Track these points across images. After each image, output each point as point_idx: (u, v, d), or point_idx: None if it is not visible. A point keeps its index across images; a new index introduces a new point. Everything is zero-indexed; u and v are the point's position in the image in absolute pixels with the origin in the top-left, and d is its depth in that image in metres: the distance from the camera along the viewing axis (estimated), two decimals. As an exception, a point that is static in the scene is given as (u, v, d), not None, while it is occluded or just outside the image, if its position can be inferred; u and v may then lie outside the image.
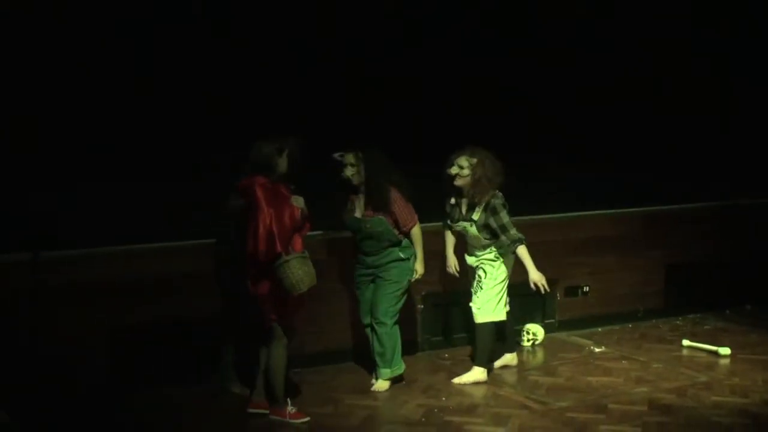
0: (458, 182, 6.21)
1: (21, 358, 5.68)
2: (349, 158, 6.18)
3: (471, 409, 6.00)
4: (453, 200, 6.40)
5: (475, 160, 6.16)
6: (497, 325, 6.43)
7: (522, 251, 6.18)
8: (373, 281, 6.36)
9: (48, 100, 5.97)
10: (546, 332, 7.62)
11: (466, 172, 6.18)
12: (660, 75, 8.24)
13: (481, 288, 6.33)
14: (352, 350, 6.92)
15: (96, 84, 6.14)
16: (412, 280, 6.37)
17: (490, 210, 6.18)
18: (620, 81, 8.11)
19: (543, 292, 6.21)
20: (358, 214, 6.27)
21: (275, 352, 5.67)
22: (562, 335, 7.75)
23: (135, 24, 6.05)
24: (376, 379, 6.41)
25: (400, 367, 6.40)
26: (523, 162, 7.30)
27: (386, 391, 6.33)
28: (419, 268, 6.35)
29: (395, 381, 6.41)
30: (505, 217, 6.19)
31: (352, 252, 6.46)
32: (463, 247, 6.57)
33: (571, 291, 7.90)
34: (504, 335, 6.64)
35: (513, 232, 6.20)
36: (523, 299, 7.29)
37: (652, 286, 8.26)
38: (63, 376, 5.81)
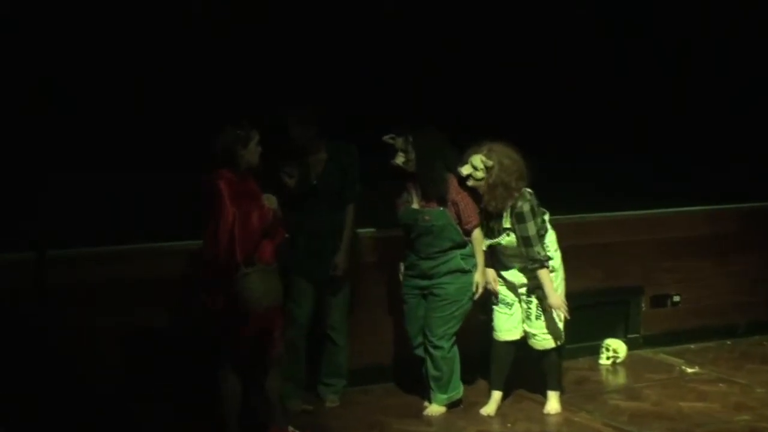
0: (470, 183, 5.93)
1: (24, 364, 5.68)
2: (399, 143, 5.94)
3: (540, 438, 5.87)
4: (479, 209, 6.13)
5: (491, 163, 5.87)
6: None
7: (543, 275, 5.88)
8: (425, 297, 6.07)
9: (50, 86, 6.08)
10: (629, 349, 7.45)
11: (479, 174, 5.88)
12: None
13: (545, 309, 6.07)
14: (401, 367, 6.75)
15: (101, 66, 6.26)
16: (476, 297, 6.09)
17: (515, 216, 5.88)
18: (713, 73, 8.17)
19: (561, 320, 5.97)
20: (415, 204, 6.01)
21: (223, 380, 5.40)
22: (647, 353, 7.60)
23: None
24: (430, 402, 6.19)
25: (458, 392, 6.20)
26: (603, 152, 7.36)
27: (441, 415, 6.14)
28: (480, 279, 6.06)
29: (452, 405, 6.20)
30: (531, 228, 5.86)
31: (403, 256, 6.20)
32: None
33: (659, 301, 7.75)
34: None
35: (537, 248, 5.85)
36: (601, 310, 7.28)
37: (756, 295, 8.07)
38: (70, 384, 5.77)
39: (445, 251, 5.97)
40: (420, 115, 6.20)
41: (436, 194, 5.93)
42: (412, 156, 5.90)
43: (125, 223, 6.12)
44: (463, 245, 5.98)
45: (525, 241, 5.87)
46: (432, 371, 6.07)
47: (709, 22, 7.92)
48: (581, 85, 7.55)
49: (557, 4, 7.52)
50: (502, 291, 6.15)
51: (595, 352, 7.31)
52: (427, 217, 5.94)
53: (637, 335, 7.65)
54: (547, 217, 6.02)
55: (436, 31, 7.08)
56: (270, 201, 5.34)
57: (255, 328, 5.34)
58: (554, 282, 6.00)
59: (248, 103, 6.16)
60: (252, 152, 5.30)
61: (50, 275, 5.75)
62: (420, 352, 6.14)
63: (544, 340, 6.09)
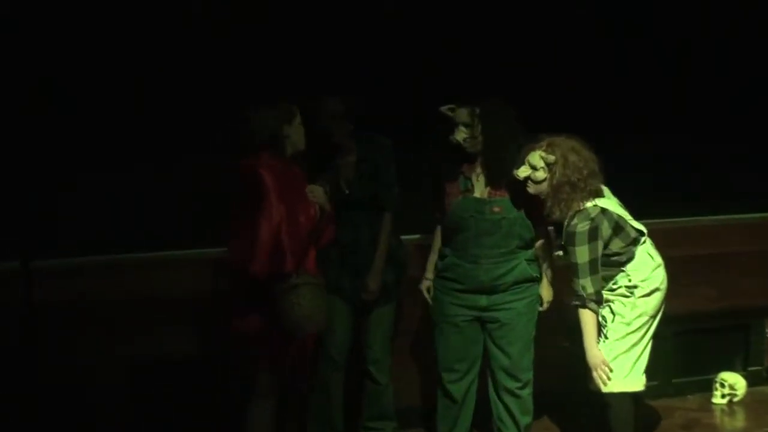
0: (531, 189, 5.34)
1: (12, 395, 5.50)
2: (462, 115, 5.31)
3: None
4: None
5: (553, 158, 5.28)
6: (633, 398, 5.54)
7: (584, 318, 5.21)
8: (480, 322, 5.40)
9: (50, 86, 6.09)
10: (749, 385, 6.97)
11: (540, 175, 5.25)
12: None
13: (606, 338, 5.32)
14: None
15: (101, 66, 6.24)
16: (542, 309, 5.52)
17: (566, 235, 5.25)
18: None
19: (603, 384, 5.26)
20: (477, 193, 5.40)
21: (256, 415, 5.01)
22: (772, 389, 7.26)
23: None
24: None
25: None
26: (711, 146, 7.16)
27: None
28: (546, 293, 5.48)
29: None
30: (583, 254, 5.17)
31: (442, 266, 5.58)
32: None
33: (787, 325, 7.33)
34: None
35: (583, 281, 5.17)
36: (714, 336, 6.99)
37: None
38: (67, 421, 5.60)
39: (510, 252, 5.34)
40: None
41: (506, 181, 5.36)
42: (478, 132, 5.30)
43: (127, 227, 6.08)
44: (530, 245, 5.40)
45: (572, 268, 5.30)
46: (522, 418, 5.47)
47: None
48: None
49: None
50: None
51: (708, 388, 6.87)
52: (496, 209, 5.29)
53: (760, 368, 7.18)
54: (644, 239, 5.39)
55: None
56: (315, 193, 4.94)
57: (295, 354, 5.04)
58: (628, 326, 5.30)
59: (248, 103, 5.97)
60: (297, 131, 4.99)
61: (41, 292, 5.55)
62: (458, 389, 5.48)
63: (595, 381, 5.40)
